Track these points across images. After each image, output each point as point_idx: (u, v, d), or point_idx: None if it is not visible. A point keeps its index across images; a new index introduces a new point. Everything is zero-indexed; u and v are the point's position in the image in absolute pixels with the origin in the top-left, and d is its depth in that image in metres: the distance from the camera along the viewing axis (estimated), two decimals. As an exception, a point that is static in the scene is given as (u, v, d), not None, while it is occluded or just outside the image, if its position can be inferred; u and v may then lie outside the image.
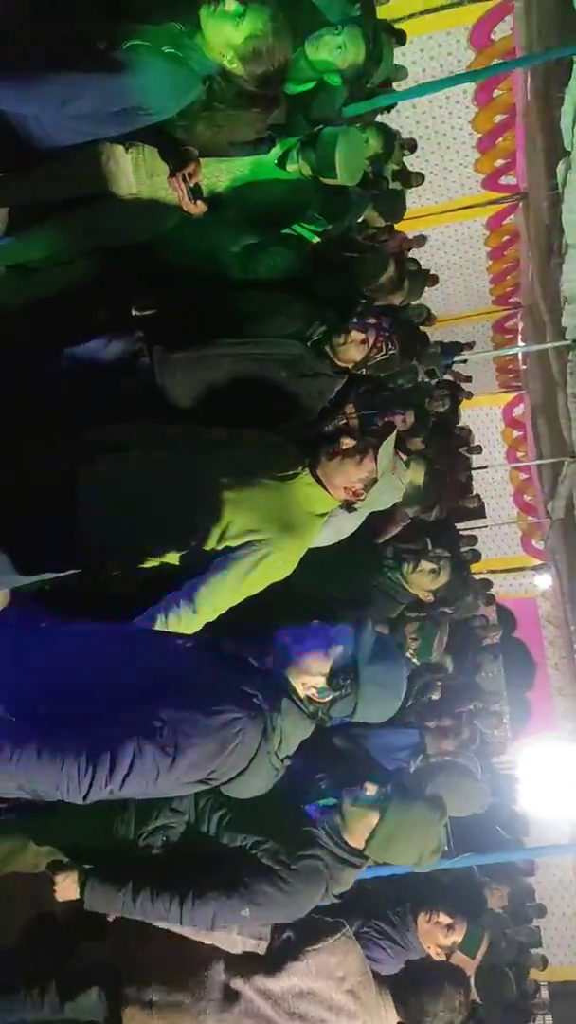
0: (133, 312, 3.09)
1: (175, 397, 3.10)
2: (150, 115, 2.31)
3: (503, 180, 10.02)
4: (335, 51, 3.02)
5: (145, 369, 3.07)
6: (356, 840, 2.62)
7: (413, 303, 5.32)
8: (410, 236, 9.16)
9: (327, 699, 2.41)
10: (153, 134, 2.50)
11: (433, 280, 9.16)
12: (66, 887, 2.45)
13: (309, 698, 2.40)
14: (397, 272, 4.42)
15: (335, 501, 2.89)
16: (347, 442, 2.89)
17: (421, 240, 9.92)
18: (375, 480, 2.86)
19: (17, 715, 2.04)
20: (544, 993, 9.78)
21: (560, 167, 5.51)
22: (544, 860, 10.61)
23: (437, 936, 3.39)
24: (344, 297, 3.65)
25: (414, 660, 4.20)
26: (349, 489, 2.87)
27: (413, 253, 9.04)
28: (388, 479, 2.94)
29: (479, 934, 3.47)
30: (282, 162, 3.05)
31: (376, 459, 2.84)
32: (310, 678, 2.40)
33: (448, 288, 11.11)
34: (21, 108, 2.32)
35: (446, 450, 8.26)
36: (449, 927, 3.41)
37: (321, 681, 2.39)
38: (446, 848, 3.12)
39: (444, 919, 3.42)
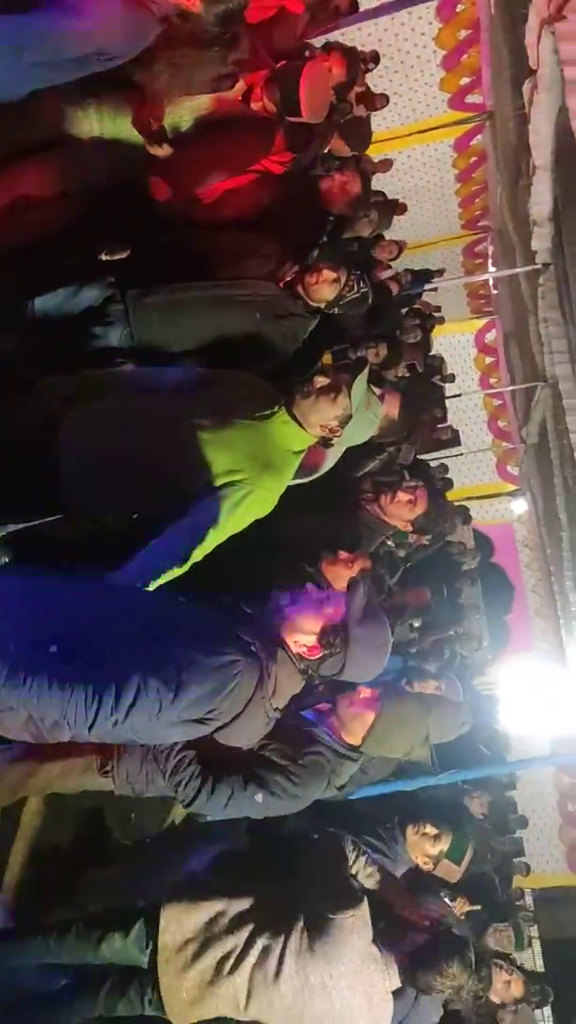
0: (102, 257, 3.07)
1: (149, 342, 3.11)
2: (110, 59, 2.27)
3: (469, 99, 9.80)
4: (295, -24, 2.96)
5: (118, 315, 3.06)
6: (353, 738, 2.88)
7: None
8: (375, 160, 8.98)
9: (317, 656, 2.51)
10: (113, 78, 2.45)
11: (402, 209, 9.03)
12: None
13: (300, 656, 2.51)
14: (364, 194, 4.39)
15: (311, 439, 2.94)
16: (320, 380, 2.94)
17: (387, 164, 9.73)
18: (350, 417, 2.92)
19: (31, 652, 2.12)
20: (528, 900, 10.29)
21: (526, 86, 5.39)
22: (525, 775, 11.01)
23: (424, 846, 3.61)
24: (314, 226, 3.63)
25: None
26: (325, 427, 2.92)
27: (380, 179, 8.88)
28: (362, 415, 2.99)
29: (464, 843, 3.69)
30: (246, 97, 3.01)
31: (350, 396, 2.89)
32: (302, 636, 2.50)
33: (416, 213, 10.93)
34: None
35: (419, 380, 8.27)
36: (436, 837, 3.66)
37: (312, 639, 2.49)
38: (432, 768, 3.32)
39: (431, 830, 3.65)
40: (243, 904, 2.80)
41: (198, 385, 2.88)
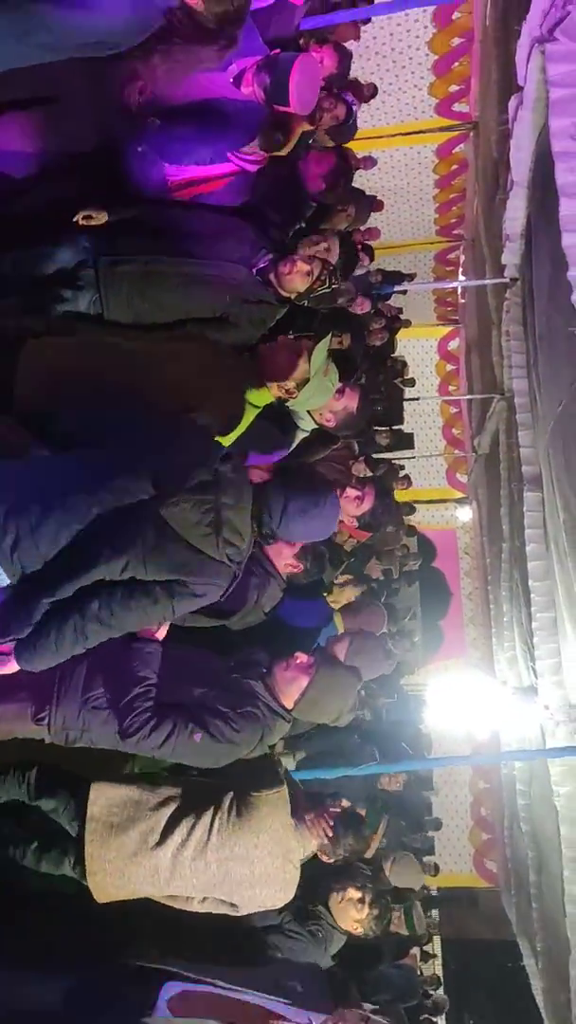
0: (79, 221, 3.06)
1: (115, 311, 3.10)
2: (112, 48, 2.27)
3: (456, 107, 9.90)
4: (298, -32, 2.98)
5: (89, 281, 3.05)
6: (287, 701, 3.02)
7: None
8: (358, 156, 9.01)
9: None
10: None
11: (379, 206, 9.10)
12: None
13: None
14: (344, 190, 4.45)
15: (269, 397, 3.03)
16: (283, 341, 3.10)
17: (370, 161, 9.78)
18: (307, 380, 3.03)
19: None
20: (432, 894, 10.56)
21: (512, 102, 5.47)
22: (443, 778, 11.26)
23: None
24: (291, 213, 3.66)
25: None
26: (282, 387, 3.05)
27: (361, 175, 8.92)
28: (320, 380, 3.10)
29: (377, 818, 3.86)
30: (237, 81, 3.02)
31: (310, 360, 3.01)
32: None
33: (393, 214, 11.02)
34: None
35: (380, 381, 8.37)
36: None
37: None
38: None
39: (346, 803, 3.80)
40: (171, 787, 3.02)
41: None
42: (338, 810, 3.28)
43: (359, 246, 6.17)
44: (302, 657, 3.04)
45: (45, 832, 2.98)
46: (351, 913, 3.55)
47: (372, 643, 4.06)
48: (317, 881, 3.60)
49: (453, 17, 8.98)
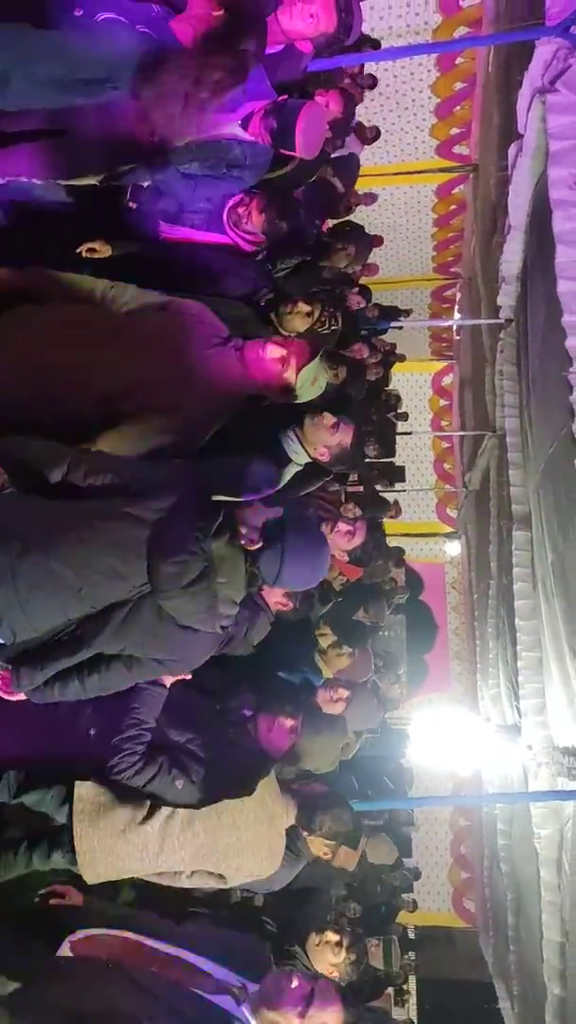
0: (82, 253, 3.10)
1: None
2: (117, 88, 2.31)
3: (456, 149, 10.06)
4: (307, 20, 3.04)
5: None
6: (270, 752, 3.08)
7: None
8: (360, 193, 9.15)
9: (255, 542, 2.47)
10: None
11: (378, 241, 9.21)
12: None
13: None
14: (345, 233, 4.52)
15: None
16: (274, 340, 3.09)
17: (371, 198, 9.92)
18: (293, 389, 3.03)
19: None
20: (410, 934, 10.44)
21: (512, 149, 5.58)
22: (425, 815, 11.20)
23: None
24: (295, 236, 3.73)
25: None
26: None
27: (362, 211, 9.04)
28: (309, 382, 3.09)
29: (359, 831, 3.86)
30: (245, 123, 3.08)
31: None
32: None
33: (392, 250, 11.16)
34: None
35: (373, 414, 8.44)
36: None
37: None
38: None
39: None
40: None
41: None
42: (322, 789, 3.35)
43: (357, 285, 6.26)
44: (286, 722, 3.08)
45: (29, 828, 3.00)
46: (328, 957, 3.46)
47: (363, 697, 4.06)
48: (295, 921, 3.56)
49: (456, 62, 9.14)
